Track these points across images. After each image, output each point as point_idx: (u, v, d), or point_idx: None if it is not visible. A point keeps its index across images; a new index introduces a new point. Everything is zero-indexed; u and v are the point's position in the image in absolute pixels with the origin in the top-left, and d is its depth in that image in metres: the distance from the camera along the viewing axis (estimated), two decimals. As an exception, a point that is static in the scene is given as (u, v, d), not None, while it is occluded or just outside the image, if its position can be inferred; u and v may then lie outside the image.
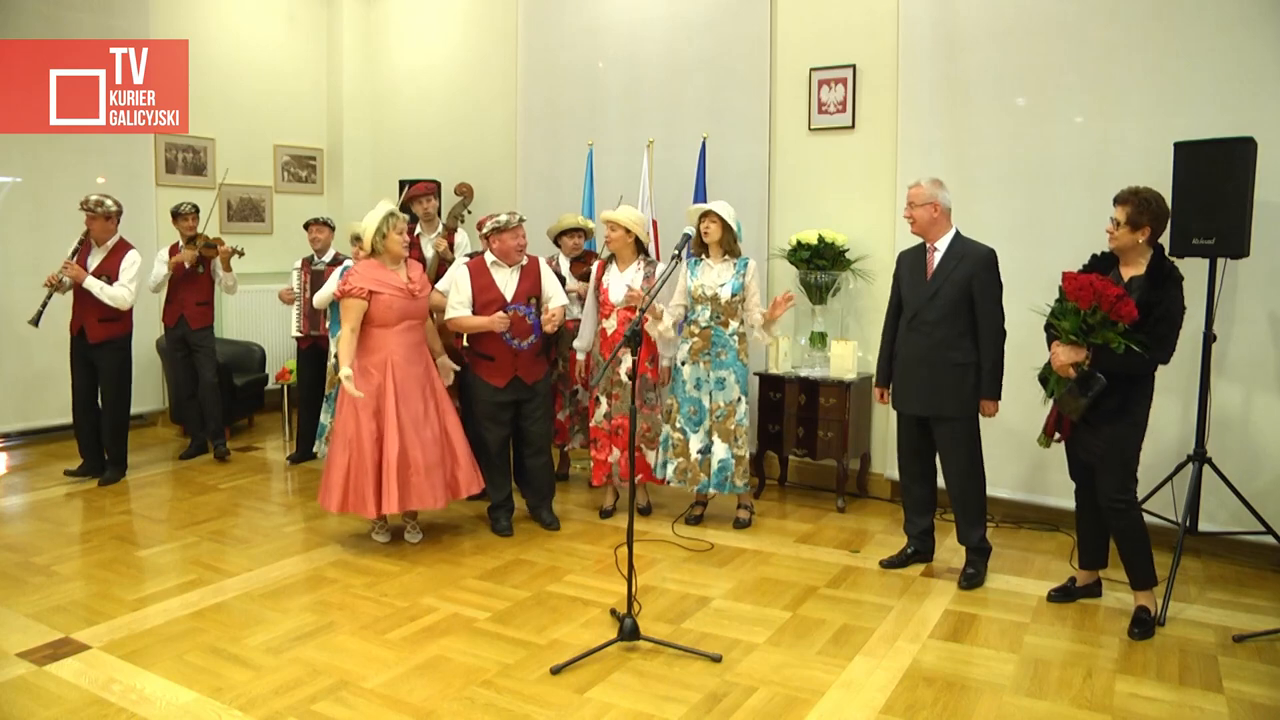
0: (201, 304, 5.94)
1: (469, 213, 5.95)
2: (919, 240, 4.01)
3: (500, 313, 4.33)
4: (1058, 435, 3.61)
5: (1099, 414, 3.39)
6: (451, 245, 5.58)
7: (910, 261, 4.04)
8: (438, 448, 4.25)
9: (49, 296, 5.13)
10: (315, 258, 5.87)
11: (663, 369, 4.71)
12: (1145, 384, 3.43)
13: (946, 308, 3.85)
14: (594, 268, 4.83)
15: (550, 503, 4.72)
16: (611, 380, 4.64)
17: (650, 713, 2.86)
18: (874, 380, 4.24)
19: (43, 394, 6.12)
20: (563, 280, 4.89)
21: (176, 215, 5.89)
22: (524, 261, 4.48)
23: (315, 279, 5.69)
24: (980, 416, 3.92)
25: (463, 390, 5.04)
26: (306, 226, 5.93)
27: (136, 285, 5.31)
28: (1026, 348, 3.91)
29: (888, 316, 4.14)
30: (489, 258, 4.47)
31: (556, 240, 5.28)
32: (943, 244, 3.92)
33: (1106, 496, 3.47)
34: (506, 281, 4.43)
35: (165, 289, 5.93)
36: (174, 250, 5.90)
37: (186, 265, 5.78)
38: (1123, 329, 3.24)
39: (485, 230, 4.47)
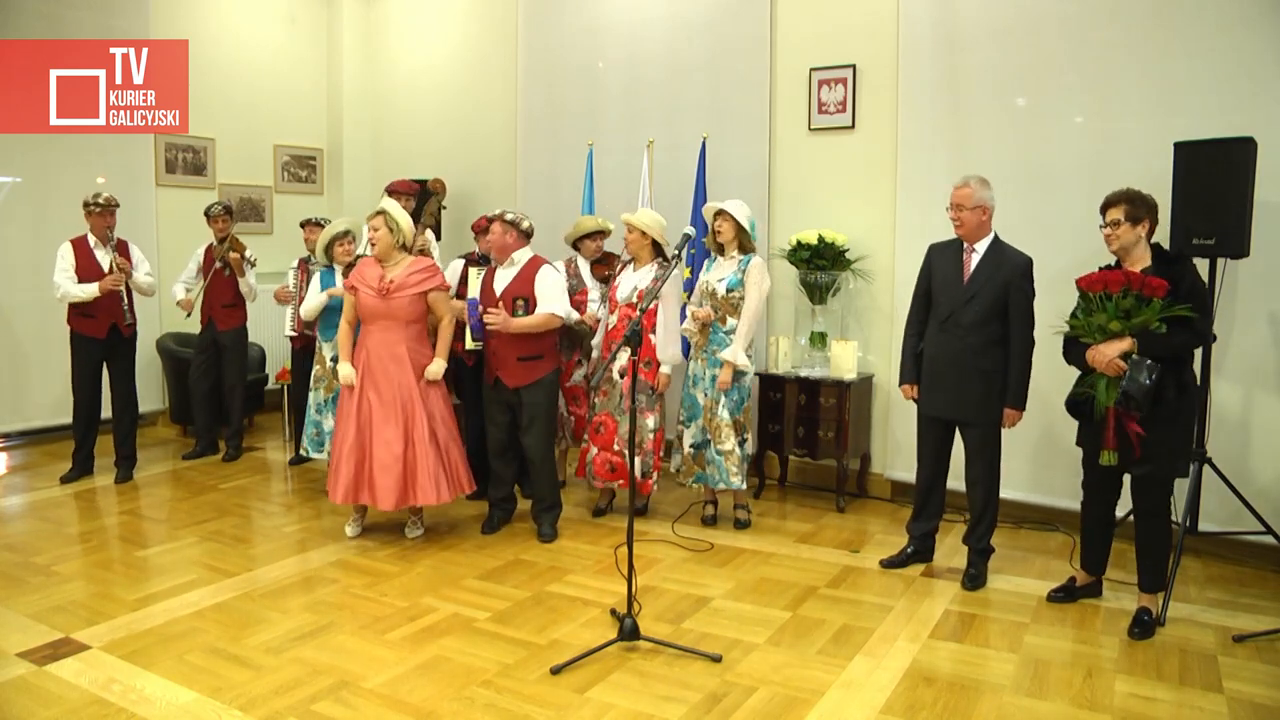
0: (227, 306, 5.97)
1: (444, 208, 5.93)
2: (951, 235, 3.95)
3: (462, 302, 4.42)
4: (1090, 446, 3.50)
5: (1157, 409, 3.30)
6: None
7: (945, 258, 3.95)
8: (392, 449, 4.19)
9: (123, 298, 5.19)
10: (311, 257, 5.86)
11: (662, 375, 4.58)
12: (1190, 374, 3.42)
13: (982, 313, 3.79)
14: (617, 269, 4.82)
15: (552, 516, 4.54)
16: (604, 377, 4.64)
17: (650, 713, 2.86)
18: (899, 377, 4.13)
19: (42, 394, 6.12)
20: (577, 284, 4.92)
21: (208, 216, 5.93)
22: (521, 261, 4.38)
23: (311, 279, 5.71)
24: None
25: (464, 395, 5.06)
26: (302, 226, 5.93)
27: None
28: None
29: (913, 310, 4.07)
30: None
31: (576, 245, 5.22)
32: (982, 246, 3.86)
33: (1151, 502, 3.45)
34: (502, 278, 4.40)
35: (190, 286, 5.98)
36: (208, 251, 5.96)
37: (220, 262, 5.86)
38: (1160, 306, 3.23)
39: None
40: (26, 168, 6.04)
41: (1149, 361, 3.26)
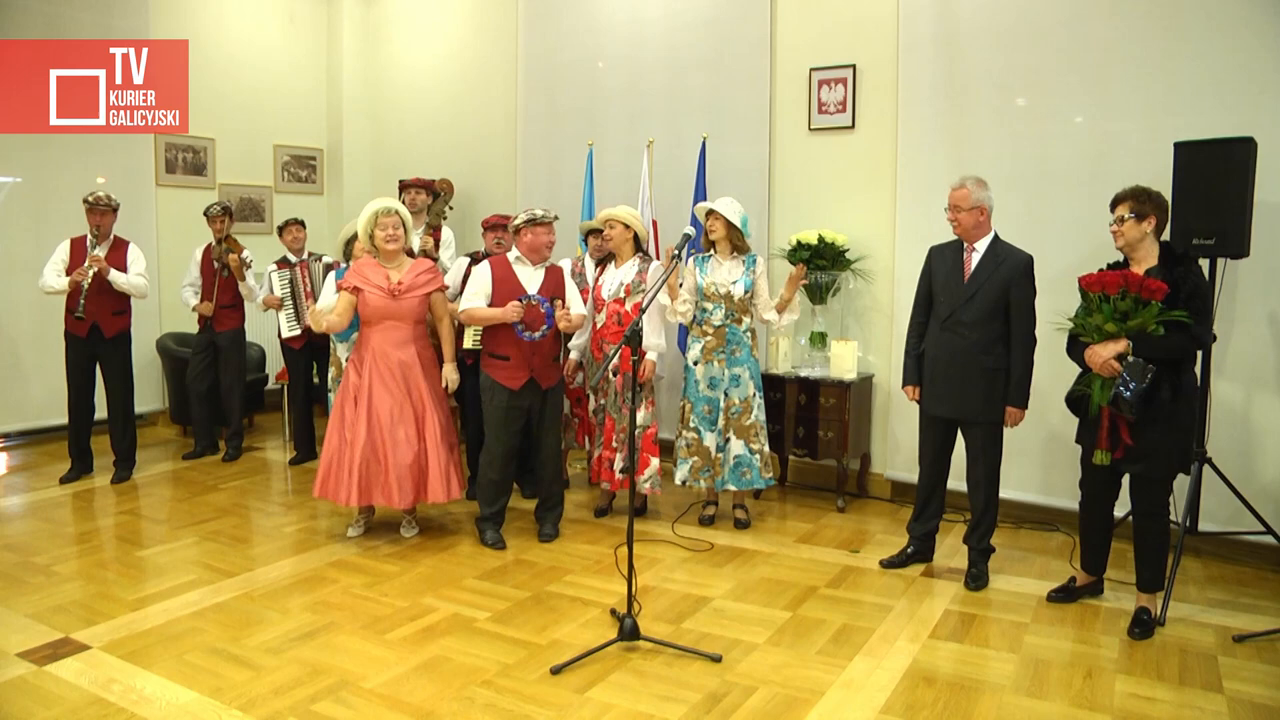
0: (225, 307, 5.97)
1: (450, 209, 5.93)
2: (953, 237, 3.95)
3: (514, 301, 4.13)
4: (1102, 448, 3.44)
5: (1151, 410, 3.30)
6: (437, 243, 5.58)
7: (945, 259, 3.96)
8: (410, 448, 4.24)
9: (83, 290, 5.10)
10: (294, 257, 5.86)
11: (648, 363, 4.53)
12: (1189, 378, 3.41)
13: (984, 311, 3.80)
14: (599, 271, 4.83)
15: (556, 515, 4.55)
16: (602, 379, 4.64)
17: (650, 713, 2.86)
18: (902, 379, 4.13)
19: (42, 394, 6.12)
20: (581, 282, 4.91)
21: (206, 216, 5.94)
22: (549, 263, 4.39)
23: (312, 272, 5.71)
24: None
25: (463, 395, 5.05)
26: (282, 230, 5.92)
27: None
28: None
29: (915, 312, 4.07)
30: (513, 254, 4.32)
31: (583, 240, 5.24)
32: (982, 245, 3.86)
33: (1148, 502, 3.45)
34: (530, 279, 4.28)
35: (198, 290, 5.98)
36: (207, 251, 5.96)
37: (219, 263, 5.87)
38: (1158, 309, 3.23)
39: (518, 222, 4.28)
40: (26, 168, 6.05)
41: (1145, 364, 3.26)
